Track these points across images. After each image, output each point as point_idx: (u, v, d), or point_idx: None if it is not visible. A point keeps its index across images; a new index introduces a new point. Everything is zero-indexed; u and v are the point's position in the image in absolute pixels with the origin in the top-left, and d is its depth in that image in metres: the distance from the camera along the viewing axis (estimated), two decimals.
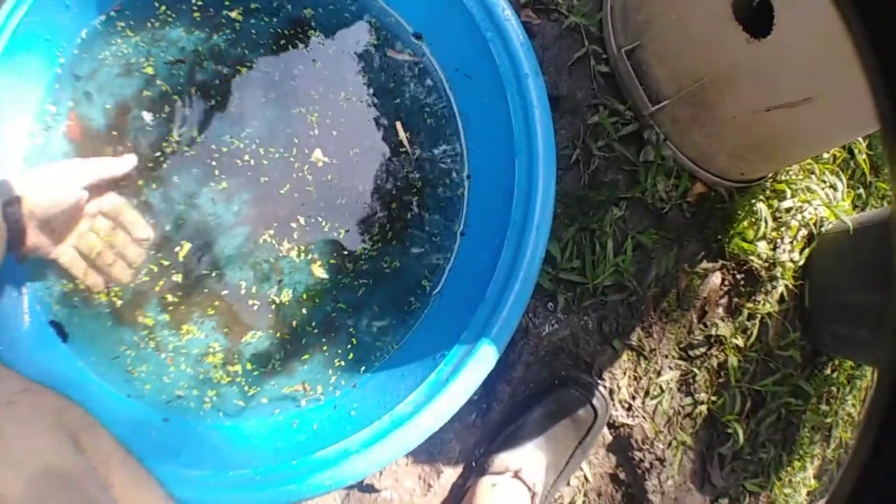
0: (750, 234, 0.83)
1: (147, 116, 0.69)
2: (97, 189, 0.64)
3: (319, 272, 0.68)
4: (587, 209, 0.75)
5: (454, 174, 0.71)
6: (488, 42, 0.64)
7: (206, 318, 0.67)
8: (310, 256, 0.68)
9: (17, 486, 0.39)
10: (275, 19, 0.72)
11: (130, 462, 0.48)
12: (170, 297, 0.67)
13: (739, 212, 0.82)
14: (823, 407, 0.91)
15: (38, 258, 0.63)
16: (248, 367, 0.67)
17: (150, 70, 0.69)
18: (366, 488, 0.73)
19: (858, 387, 0.96)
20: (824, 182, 0.91)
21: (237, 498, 0.57)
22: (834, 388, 0.93)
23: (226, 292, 0.68)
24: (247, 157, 0.69)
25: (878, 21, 0.23)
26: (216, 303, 0.67)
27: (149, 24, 0.70)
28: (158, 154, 0.68)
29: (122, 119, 0.69)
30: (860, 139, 0.96)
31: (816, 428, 0.91)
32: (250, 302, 0.68)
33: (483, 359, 0.58)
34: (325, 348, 0.68)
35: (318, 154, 0.69)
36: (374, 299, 0.69)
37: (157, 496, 0.49)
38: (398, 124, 0.71)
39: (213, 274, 0.68)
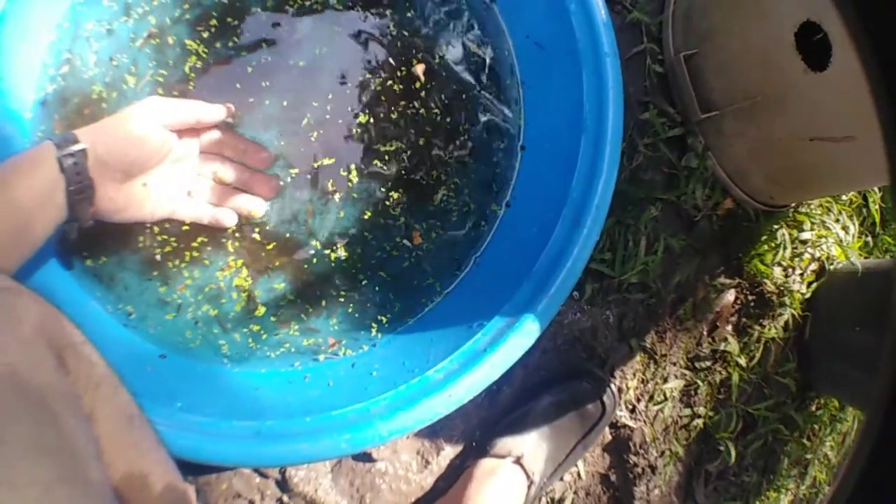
0: (768, 257, 0.88)
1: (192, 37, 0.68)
2: (185, 134, 0.61)
3: (352, 218, 0.69)
4: (625, 204, 0.79)
5: (507, 143, 0.73)
6: (570, 14, 0.66)
7: (223, 252, 0.67)
8: (346, 201, 0.69)
9: None
10: None
11: (122, 395, 0.44)
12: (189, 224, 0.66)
13: (763, 234, 0.87)
14: (806, 442, 0.97)
15: (131, 221, 0.61)
16: (262, 309, 0.67)
17: None
18: (361, 457, 0.73)
19: (838, 430, 1.02)
20: (838, 222, 0.97)
21: (240, 451, 0.55)
22: (817, 427, 0.99)
23: (251, 228, 0.67)
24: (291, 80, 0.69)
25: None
26: (237, 236, 0.67)
27: None
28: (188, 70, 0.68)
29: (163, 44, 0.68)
30: (876, 190, 1.04)
31: (796, 462, 0.97)
32: (276, 241, 0.67)
33: (526, 333, 0.59)
34: (346, 302, 0.68)
35: (420, 70, 0.70)
36: (405, 258, 0.70)
37: (150, 440, 0.45)
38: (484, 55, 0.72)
39: None
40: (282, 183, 0.68)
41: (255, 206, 0.66)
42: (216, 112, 0.62)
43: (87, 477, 0.35)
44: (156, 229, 0.65)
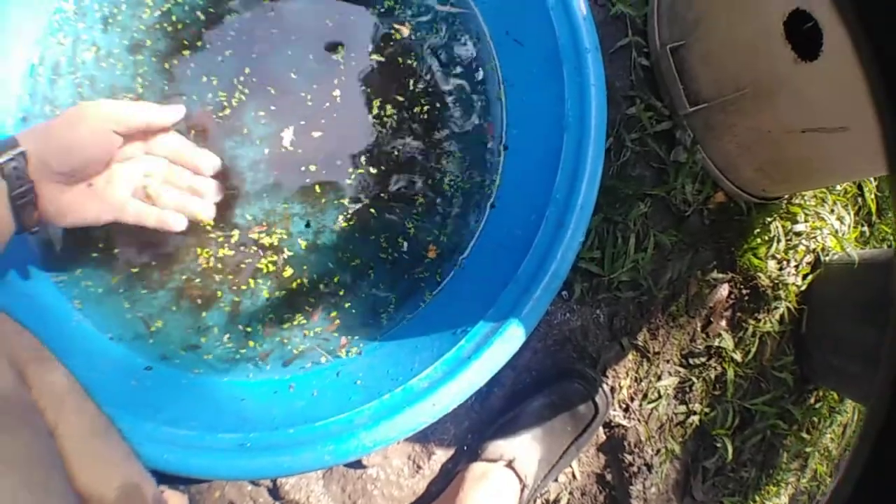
0: (762, 250, 0.88)
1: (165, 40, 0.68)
2: (134, 137, 0.61)
3: (333, 223, 0.69)
4: (613, 201, 0.79)
5: (490, 144, 0.72)
6: (549, 10, 0.66)
7: (200, 261, 0.67)
8: (321, 203, 0.69)
9: None
10: None
11: (88, 409, 0.44)
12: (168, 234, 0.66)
13: (755, 227, 0.87)
14: (805, 436, 0.97)
15: (76, 225, 0.59)
16: (245, 318, 0.67)
17: None
18: (352, 463, 0.73)
19: (839, 422, 1.02)
20: (833, 213, 0.97)
21: (224, 465, 0.56)
22: (816, 419, 0.99)
23: (229, 233, 0.68)
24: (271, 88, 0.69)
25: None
26: (219, 244, 0.67)
27: None
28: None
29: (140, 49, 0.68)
30: (871, 179, 1.04)
31: (795, 456, 0.97)
32: (252, 249, 0.68)
33: (510, 339, 0.59)
34: (329, 308, 0.69)
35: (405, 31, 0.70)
36: (389, 262, 0.70)
37: (120, 453, 0.45)
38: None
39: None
40: (261, 185, 0.68)
41: (205, 210, 0.64)
42: (167, 115, 0.61)
43: (48, 485, 0.35)
44: (129, 242, 0.66)
